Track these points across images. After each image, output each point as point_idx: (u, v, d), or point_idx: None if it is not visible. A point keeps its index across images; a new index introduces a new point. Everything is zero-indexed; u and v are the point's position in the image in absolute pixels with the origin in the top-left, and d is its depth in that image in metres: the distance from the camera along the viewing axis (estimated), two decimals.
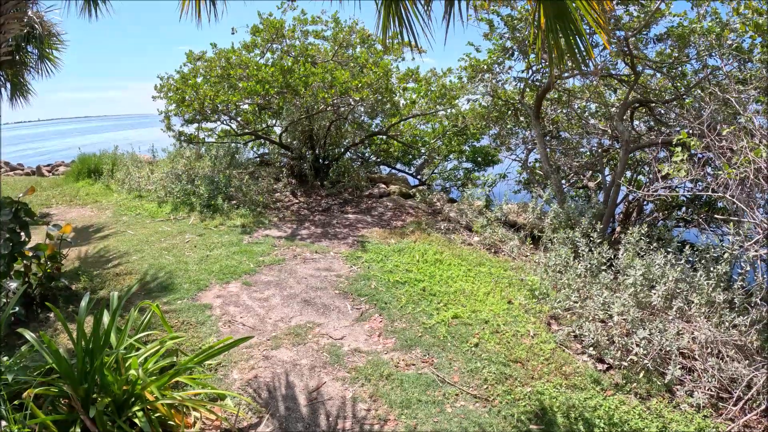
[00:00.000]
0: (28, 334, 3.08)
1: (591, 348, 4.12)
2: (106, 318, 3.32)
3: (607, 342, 4.07)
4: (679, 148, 4.51)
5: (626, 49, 6.36)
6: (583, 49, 2.99)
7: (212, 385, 3.51)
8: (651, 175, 7.68)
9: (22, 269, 4.61)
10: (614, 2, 6.20)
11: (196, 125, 10.32)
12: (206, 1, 4.24)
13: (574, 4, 2.85)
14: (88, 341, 2.93)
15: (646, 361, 3.77)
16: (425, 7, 3.35)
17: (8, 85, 8.86)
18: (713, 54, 6.08)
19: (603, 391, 3.66)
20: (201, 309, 4.74)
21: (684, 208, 7.81)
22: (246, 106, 10.47)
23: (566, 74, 7.19)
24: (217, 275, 5.56)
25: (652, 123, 7.99)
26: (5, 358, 2.97)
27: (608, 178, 7.92)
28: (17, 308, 4.24)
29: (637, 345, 3.84)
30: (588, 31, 5.58)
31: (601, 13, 2.96)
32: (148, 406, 2.87)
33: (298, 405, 3.38)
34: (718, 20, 5.82)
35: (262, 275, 5.65)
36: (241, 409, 3.30)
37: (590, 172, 9.09)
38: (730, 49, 5.73)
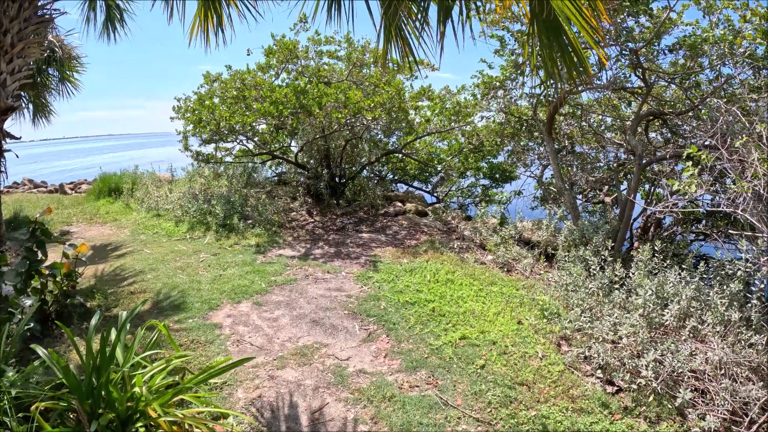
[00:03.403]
0: (40, 350, 3.18)
1: (599, 370, 4.02)
2: (114, 335, 3.38)
3: (617, 363, 3.97)
4: (689, 163, 4.42)
5: (636, 60, 6.30)
6: (578, 64, 2.97)
7: (216, 404, 3.53)
8: (668, 188, 7.54)
9: (39, 287, 4.72)
10: (624, 14, 6.16)
11: (213, 145, 10.50)
12: (215, 26, 4.36)
13: (569, 20, 2.84)
14: (95, 358, 2.99)
15: (656, 384, 3.66)
16: (421, 26, 3.37)
17: (31, 107, 9.18)
18: (727, 62, 5.96)
19: (611, 414, 3.56)
20: (211, 328, 4.78)
21: (703, 222, 7.63)
22: (263, 126, 10.64)
23: (579, 88, 7.14)
24: (229, 295, 5.61)
25: (669, 135, 7.87)
26: (11, 374, 3.04)
27: (625, 193, 7.80)
28: (32, 324, 4.35)
29: (646, 368, 3.73)
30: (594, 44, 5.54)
31: (598, 28, 2.95)
32: (151, 423, 2.91)
33: (300, 425, 3.37)
34: (731, 28, 5.70)
35: (273, 295, 5.68)
36: (242, 428, 3.30)
37: (606, 187, 8.97)
38: (744, 56, 5.61)
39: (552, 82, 7.21)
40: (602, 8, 2.83)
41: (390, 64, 9.10)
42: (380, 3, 3.31)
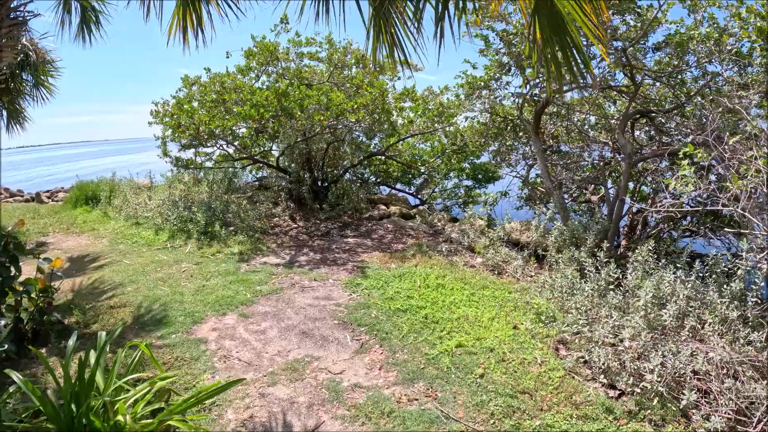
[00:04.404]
0: (15, 375, 2.98)
1: (602, 375, 3.92)
2: (94, 358, 3.18)
3: (618, 367, 3.88)
4: (685, 161, 4.35)
5: (624, 59, 6.25)
6: (580, 62, 2.86)
7: (205, 427, 3.34)
8: (654, 185, 7.52)
9: (13, 304, 4.48)
10: (610, 12, 6.11)
11: (193, 150, 10.22)
12: (194, 26, 4.15)
13: (570, 16, 2.73)
14: (73, 384, 2.80)
15: (659, 387, 3.57)
16: (415, 26, 3.23)
17: (4, 113, 8.81)
18: (713, 60, 5.95)
19: (616, 420, 3.46)
20: (196, 343, 4.57)
21: (689, 218, 7.62)
22: (243, 130, 10.40)
23: (565, 88, 7.08)
24: (213, 306, 5.40)
25: (653, 133, 7.86)
26: None
27: (611, 191, 7.76)
28: (7, 345, 4.11)
29: (650, 372, 3.64)
30: (585, 43, 5.46)
31: (599, 25, 2.84)
32: None
33: None
34: (715, 26, 5.70)
35: (260, 306, 5.48)
36: None
37: (593, 185, 8.94)
38: (730, 54, 5.60)
39: (541, 79, 7.15)
40: (603, 5, 2.72)
41: (376, 66, 8.97)
42: (370, 1, 3.16)
